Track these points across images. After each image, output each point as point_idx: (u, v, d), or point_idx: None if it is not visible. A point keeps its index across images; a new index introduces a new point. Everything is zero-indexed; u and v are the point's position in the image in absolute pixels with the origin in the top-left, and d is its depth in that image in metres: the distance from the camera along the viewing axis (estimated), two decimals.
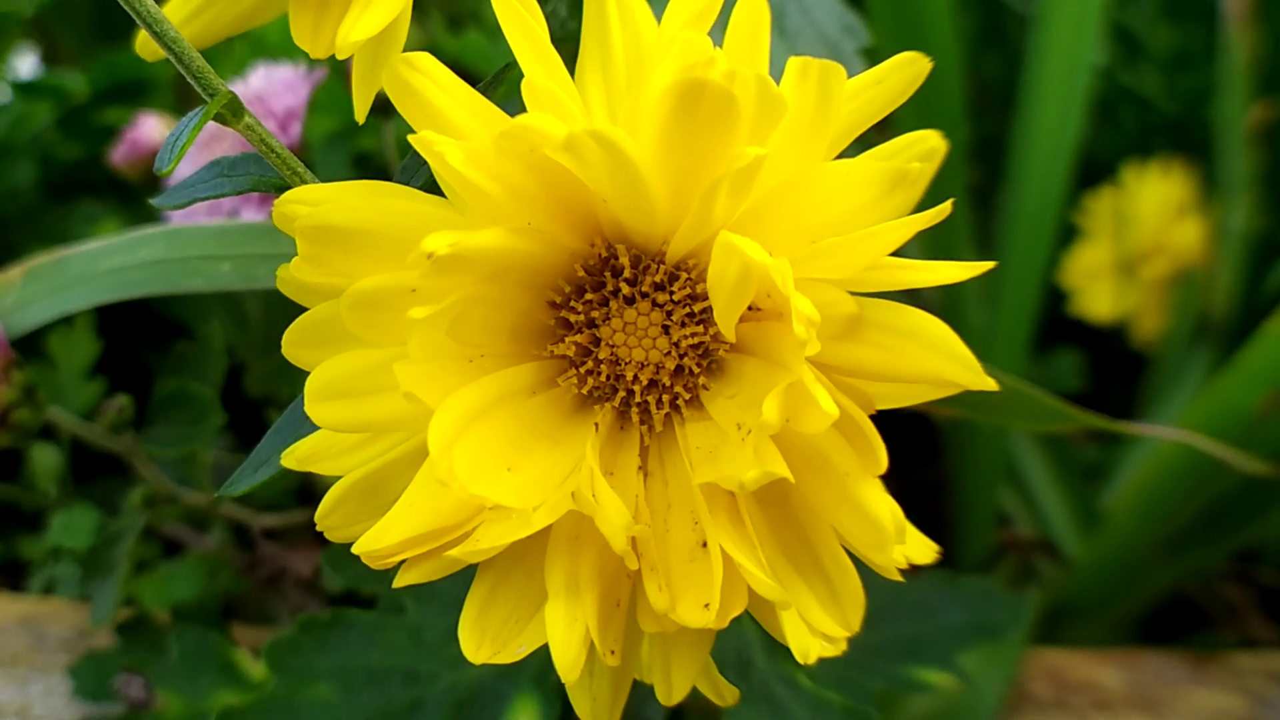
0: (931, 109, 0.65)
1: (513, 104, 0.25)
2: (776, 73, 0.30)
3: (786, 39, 0.34)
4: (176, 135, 0.24)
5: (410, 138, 0.23)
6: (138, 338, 0.65)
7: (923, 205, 0.24)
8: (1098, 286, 0.84)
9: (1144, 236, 0.84)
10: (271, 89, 0.47)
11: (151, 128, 0.53)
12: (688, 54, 0.22)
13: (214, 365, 0.45)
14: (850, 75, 0.35)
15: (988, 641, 0.43)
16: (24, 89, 0.68)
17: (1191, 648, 0.61)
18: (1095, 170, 0.84)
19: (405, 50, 0.25)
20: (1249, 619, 0.70)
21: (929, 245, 0.68)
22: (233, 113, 0.25)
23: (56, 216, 0.64)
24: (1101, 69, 0.82)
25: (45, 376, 0.57)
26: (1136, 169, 0.83)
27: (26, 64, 0.89)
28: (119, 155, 0.54)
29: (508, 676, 0.36)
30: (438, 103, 0.23)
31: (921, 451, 0.76)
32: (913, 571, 0.26)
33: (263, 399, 0.58)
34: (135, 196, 0.62)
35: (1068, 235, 0.84)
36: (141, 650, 0.43)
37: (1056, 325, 0.84)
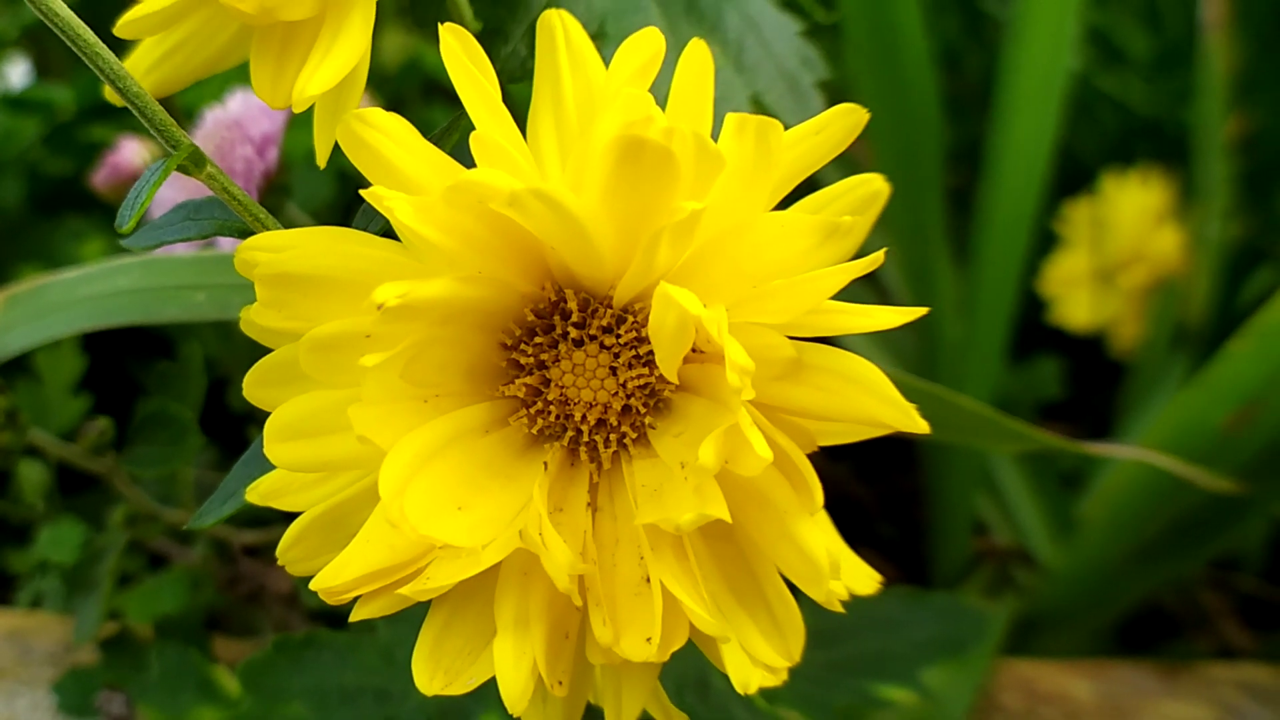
0: (907, 117, 0.66)
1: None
2: (737, 108, 0.31)
3: (745, 73, 0.35)
4: (137, 192, 0.25)
5: (363, 192, 0.24)
6: (123, 350, 0.66)
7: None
8: (1077, 295, 0.84)
9: (1123, 245, 0.84)
10: (249, 114, 0.47)
11: (132, 152, 0.54)
12: (628, 111, 0.23)
13: (194, 385, 0.46)
14: (808, 107, 0.36)
15: (952, 657, 0.44)
16: (12, 104, 0.69)
17: (1165, 657, 0.62)
18: (1076, 170, 0.85)
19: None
20: (1226, 627, 0.71)
21: (905, 253, 0.69)
22: (195, 163, 0.26)
23: (43, 232, 0.65)
24: (1080, 73, 0.82)
25: (31, 392, 0.58)
26: (1116, 177, 0.84)
27: (18, 71, 0.90)
28: (100, 179, 0.55)
29: (476, 695, 0.37)
30: (392, 157, 0.24)
31: (900, 459, 0.77)
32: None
33: (245, 413, 0.59)
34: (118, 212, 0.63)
35: (1049, 243, 0.85)
36: (123, 666, 0.44)
37: (1039, 333, 0.85)
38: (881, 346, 0.70)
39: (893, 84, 0.66)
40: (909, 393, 0.24)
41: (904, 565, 0.73)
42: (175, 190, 0.50)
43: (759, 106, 0.34)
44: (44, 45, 0.92)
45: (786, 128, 0.24)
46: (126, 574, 0.54)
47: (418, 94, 0.80)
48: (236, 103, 0.48)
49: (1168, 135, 0.88)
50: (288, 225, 0.30)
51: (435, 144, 0.25)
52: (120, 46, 0.29)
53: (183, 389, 0.46)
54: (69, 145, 0.68)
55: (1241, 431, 0.52)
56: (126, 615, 0.50)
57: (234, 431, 0.59)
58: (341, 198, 0.61)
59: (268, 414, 0.26)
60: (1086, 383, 0.86)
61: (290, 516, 0.32)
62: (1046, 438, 0.44)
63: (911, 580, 0.71)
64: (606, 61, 0.26)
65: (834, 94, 0.38)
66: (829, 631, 0.28)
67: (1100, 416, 0.83)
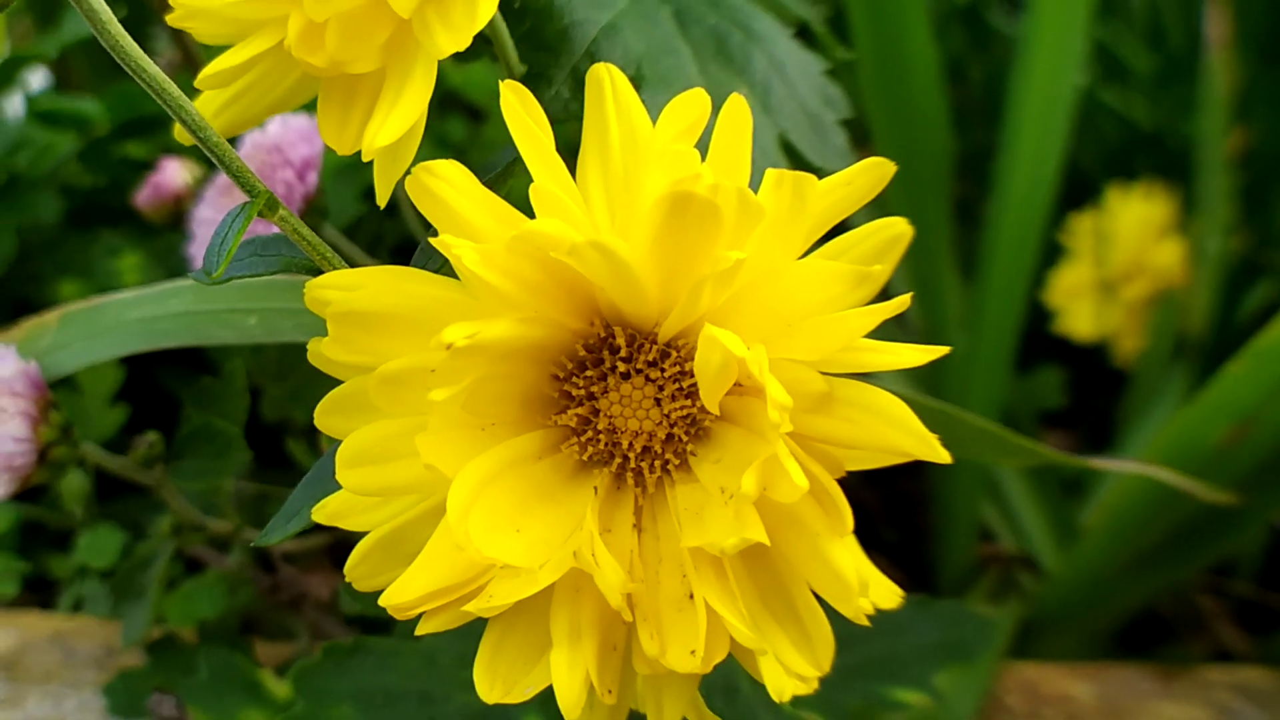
0: (915, 134, 0.68)
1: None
2: (764, 147, 0.33)
3: (772, 113, 0.37)
4: (222, 237, 0.27)
5: (432, 240, 0.26)
6: (155, 360, 0.68)
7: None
8: (1080, 306, 0.86)
9: (1125, 257, 0.86)
10: (288, 139, 0.49)
11: (173, 172, 0.56)
12: (677, 168, 0.25)
13: (237, 401, 0.48)
14: (830, 144, 0.38)
15: (959, 661, 0.46)
16: (43, 118, 0.71)
17: (1164, 660, 0.64)
18: (1079, 182, 0.86)
19: None
20: (1223, 631, 0.73)
21: (912, 266, 0.71)
22: (270, 208, 0.28)
23: (77, 246, 0.67)
24: (1084, 87, 0.83)
25: (72, 402, 0.60)
26: (1120, 190, 0.85)
27: (36, 79, 0.91)
28: (143, 198, 0.57)
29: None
30: (456, 205, 0.26)
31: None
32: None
33: (278, 423, 0.61)
34: (153, 229, 0.65)
35: (1054, 254, 0.87)
36: (170, 669, 0.46)
37: (1043, 342, 0.87)
38: None
39: (901, 101, 0.68)
40: (917, 410, 0.26)
41: (909, 570, 0.75)
42: (216, 211, 0.52)
43: (785, 145, 0.36)
44: (65, 58, 0.94)
45: (810, 165, 0.26)
46: (167, 579, 0.56)
47: (434, 108, 0.82)
48: (275, 127, 0.50)
49: (1169, 149, 0.89)
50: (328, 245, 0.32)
51: (490, 188, 0.28)
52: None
53: (225, 405, 0.48)
54: (102, 162, 0.70)
55: (1237, 447, 0.55)
56: (166, 619, 0.52)
57: (265, 441, 0.61)
58: (372, 213, 0.63)
59: (300, 425, 0.29)
60: (1089, 391, 0.88)
61: (324, 526, 0.34)
62: (1052, 454, 0.46)
63: (916, 584, 0.73)
64: (644, 102, 0.28)
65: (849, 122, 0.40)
66: (840, 637, 0.30)
67: (1102, 423, 0.85)
